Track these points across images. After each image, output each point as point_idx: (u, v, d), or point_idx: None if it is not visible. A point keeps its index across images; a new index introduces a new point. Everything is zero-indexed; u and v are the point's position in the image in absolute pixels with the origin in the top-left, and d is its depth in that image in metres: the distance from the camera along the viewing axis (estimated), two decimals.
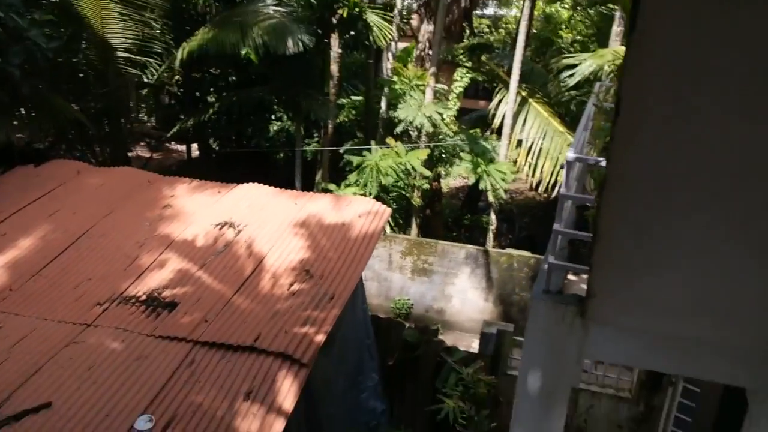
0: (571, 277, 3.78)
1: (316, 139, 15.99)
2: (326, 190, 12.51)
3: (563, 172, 4.05)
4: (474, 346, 10.78)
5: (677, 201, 1.79)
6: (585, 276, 3.41)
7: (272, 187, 8.25)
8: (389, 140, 13.19)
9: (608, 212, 1.94)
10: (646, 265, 2.40)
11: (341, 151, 14.12)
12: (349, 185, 12.69)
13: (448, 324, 12.41)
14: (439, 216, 15.61)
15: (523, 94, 14.26)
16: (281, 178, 12.66)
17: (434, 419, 7.12)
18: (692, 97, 1.23)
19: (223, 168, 15.54)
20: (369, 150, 12.99)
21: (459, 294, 12.46)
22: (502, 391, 8.09)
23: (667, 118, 1.34)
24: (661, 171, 1.61)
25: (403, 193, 13.86)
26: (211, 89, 16.22)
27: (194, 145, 17.21)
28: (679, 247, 2.14)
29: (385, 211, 7.94)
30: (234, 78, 16.17)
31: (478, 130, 15.69)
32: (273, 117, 17.30)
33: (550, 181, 13.93)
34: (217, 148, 17.60)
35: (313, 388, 6.16)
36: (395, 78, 15.18)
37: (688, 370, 4.13)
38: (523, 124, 14.26)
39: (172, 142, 18.60)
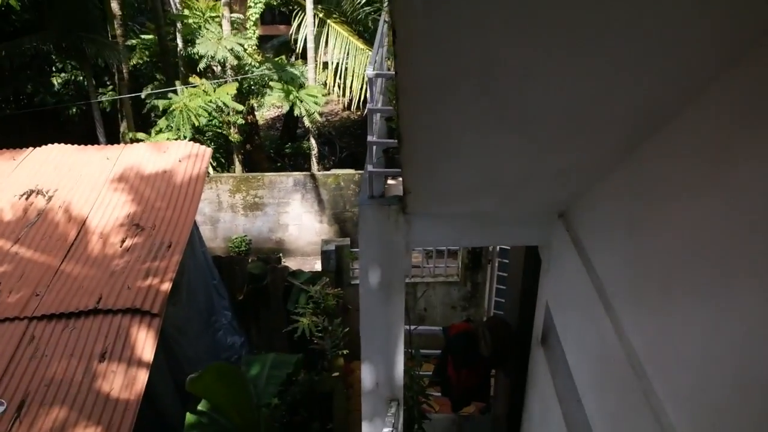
0: (390, 181, 4.24)
1: (111, 87, 14.73)
2: (136, 141, 11.79)
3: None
4: (317, 266, 11.31)
5: (456, 103, 2.20)
6: (400, 178, 3.89)
7: (77, 145, 7.69)
8: (194, 79, 12.65)
9: (404, 118, 2.31)
10: (443, 159, 2.86)
11: (143, 96, 13.25)
12: (160, 131, 12.07)
13: (289, 251, 12.77)
14: (260, 149, 15.55)
15: (321, 15, 14.34)
16: (81, 135, 11.63)
17: (292, 339, 7.55)
18: (455, 12, 1.56)
19: (6, 134, 13.71)
20: (174, 92, 12.37)
21: (294, 221, 12.80)
22: (349, 299, 8.75)
23: (435, 34, 1.68)
24: (439, 79, 2.00)
25: (219, 131, 13.53)
26: None
27: None
28: (465, 141, 2.62)
29: (206, 151, 7.86)
30: None
31: (283, 57, 15.55)
32: (54, 69, 15.48)
33: (360, 98, 14.46)
34: None
35: (168, 336, 6.21)
36: (186, 12, 14.32)
37: (492, 240, 4.94)
38: (326, 46, 14.44)
39: None
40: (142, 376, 4.83)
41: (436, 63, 1.78)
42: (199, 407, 6.00)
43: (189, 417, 5.91)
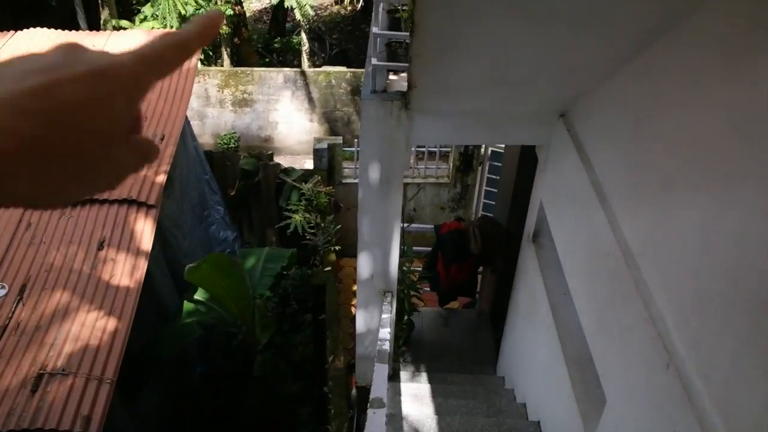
0: (392, 77, 4.18)
1: None
2: (119, 29, 11.31)
3: None
4: (308, 164, 11.32)
5: None
6: (403, 74, 3.84)
7: (60, 31, 7.36)
8: None
9: (421, 5, 2.28)
10: (457, 52, 2.81)
11: None
12: (144, 20, 11.57)
13: (279, 150, 12.69)
14: (249, 43, 15.00)
15: None
16: (59, 21, 11.07)
17: (284, 234, 7.70)
18: None
19: None
20: None
21: (284, 119, 12.62)
22: (341, 198, 8.85)
23: None
24: None
25: None
26: None
27: None
28: (478, 30, 2.57)
29: None
30: None
31: None
32: None
33: None
34: None
35: (164, 228, 6.30)
36: None
37: (493, 138, 4.97)
38: None
39: None
40: (142, 264, 4.94)
41: None
42: (196, 296, 6.21)
43: (186, 305, 6.12)
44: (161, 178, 5.56)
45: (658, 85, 2.52)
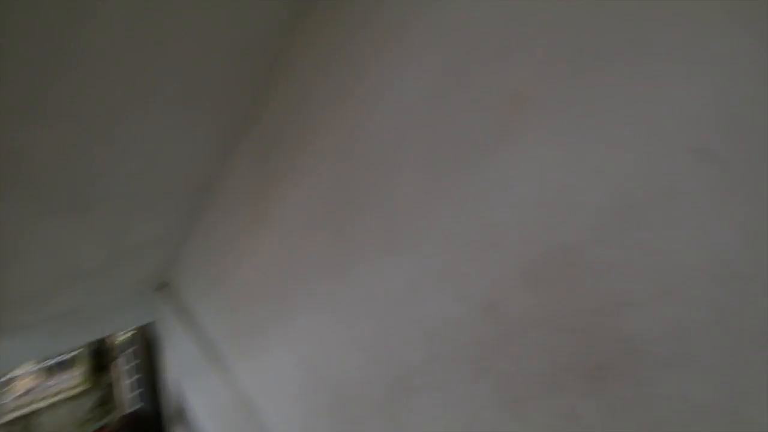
0: None
1: None
2: None
3: None
4: None
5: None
6: None
7: None
8: None
9: None
10: (10, 259, 2.58)
11: None
12: None
13: None
14: None
15: None
16: None
17: None
18: None
19: None
20: None
21: None
22: None
23: None
24: None
25: None
26: None
27: None
28: (26, 235, 2.41)
29: None
30: None
31: None
32: None
33: None
34: None
35: None
36: None
37: (95, 334, 4.59)
38: None
39: None
40: None
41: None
42: None
43: None
44: None
45: (226, 243, 2.74)
